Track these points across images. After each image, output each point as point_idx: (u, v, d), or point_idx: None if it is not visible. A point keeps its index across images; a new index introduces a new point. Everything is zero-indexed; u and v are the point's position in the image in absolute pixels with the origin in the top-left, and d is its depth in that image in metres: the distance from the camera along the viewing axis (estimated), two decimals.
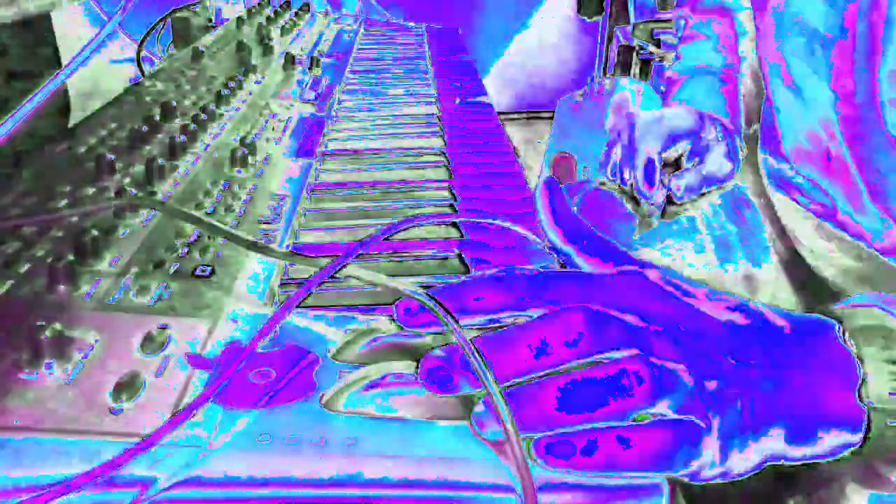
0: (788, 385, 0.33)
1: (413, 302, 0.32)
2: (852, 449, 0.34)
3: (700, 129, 0.75)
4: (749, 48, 0.82)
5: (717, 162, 0.74)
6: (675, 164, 0.75)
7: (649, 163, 0.72)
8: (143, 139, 0.60)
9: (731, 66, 0.83)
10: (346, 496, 0.28)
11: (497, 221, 0.48)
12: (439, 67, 0.98)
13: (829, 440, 0.33)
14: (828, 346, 0.34)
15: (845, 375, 0.33)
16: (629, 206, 0.76)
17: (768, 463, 0.33)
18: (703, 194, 0.75)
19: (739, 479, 0.33)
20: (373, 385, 0.31)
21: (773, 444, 0.32)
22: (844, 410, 0.33)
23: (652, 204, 0.73)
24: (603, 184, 0.79)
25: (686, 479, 0.31)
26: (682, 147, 0.74)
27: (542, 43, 2.80)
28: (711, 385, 0.31)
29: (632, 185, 0.74)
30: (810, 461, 0.34)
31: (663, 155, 0.73)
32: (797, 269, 0.76)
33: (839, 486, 0.50)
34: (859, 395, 0.33)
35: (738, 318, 0.34)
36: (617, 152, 0.76)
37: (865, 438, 0.34)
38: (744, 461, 0.32)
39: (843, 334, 0.35)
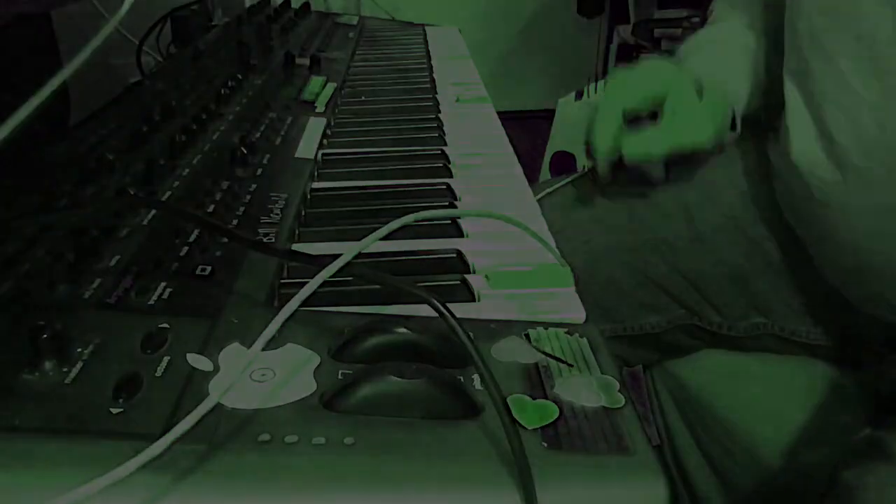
0: None
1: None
2: None
3: (679, 86, 0.66)
4: None
5: (689, 126, 0.65)
6: (652, 117, 0.67)
7: (607, 117, 0.66)
8: (143, 139, 0.60)
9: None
10: (347, 496, 0.28)
11: (497, 219, 0.48)
12: (439, 67, 0.98)
13: None
14: None
15: None
16: (592, 170, 0.69)
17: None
18: (678, 160, 0.67)
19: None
20: (373, 384, 0.31)
21: None
22: None
23: (599, 163, 0.66)
24: (586, 166, 0.73)
25: None
26: (652, 102, 0.66)
27: (543, 42, 2.80)
28: None
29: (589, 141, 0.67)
30: None
31: (628, 110, 0.66)
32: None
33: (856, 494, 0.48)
34: None
35: None
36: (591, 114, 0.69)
37: None
38: None
39: None
